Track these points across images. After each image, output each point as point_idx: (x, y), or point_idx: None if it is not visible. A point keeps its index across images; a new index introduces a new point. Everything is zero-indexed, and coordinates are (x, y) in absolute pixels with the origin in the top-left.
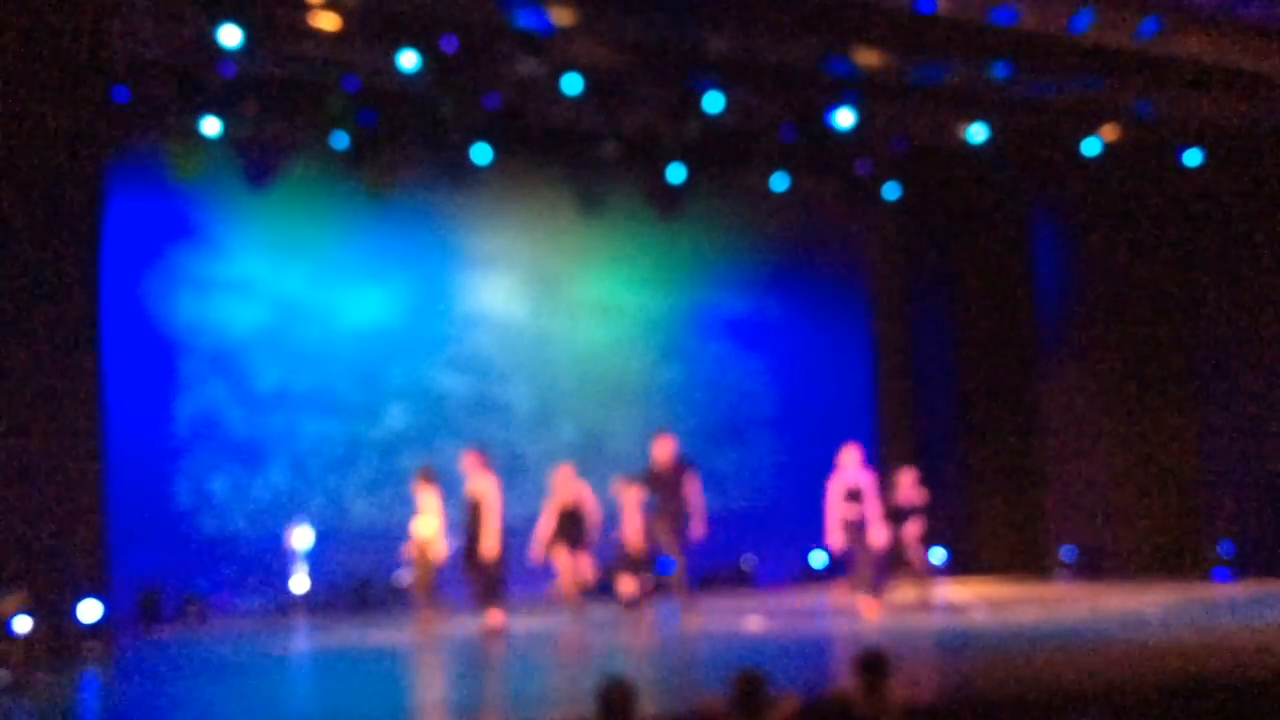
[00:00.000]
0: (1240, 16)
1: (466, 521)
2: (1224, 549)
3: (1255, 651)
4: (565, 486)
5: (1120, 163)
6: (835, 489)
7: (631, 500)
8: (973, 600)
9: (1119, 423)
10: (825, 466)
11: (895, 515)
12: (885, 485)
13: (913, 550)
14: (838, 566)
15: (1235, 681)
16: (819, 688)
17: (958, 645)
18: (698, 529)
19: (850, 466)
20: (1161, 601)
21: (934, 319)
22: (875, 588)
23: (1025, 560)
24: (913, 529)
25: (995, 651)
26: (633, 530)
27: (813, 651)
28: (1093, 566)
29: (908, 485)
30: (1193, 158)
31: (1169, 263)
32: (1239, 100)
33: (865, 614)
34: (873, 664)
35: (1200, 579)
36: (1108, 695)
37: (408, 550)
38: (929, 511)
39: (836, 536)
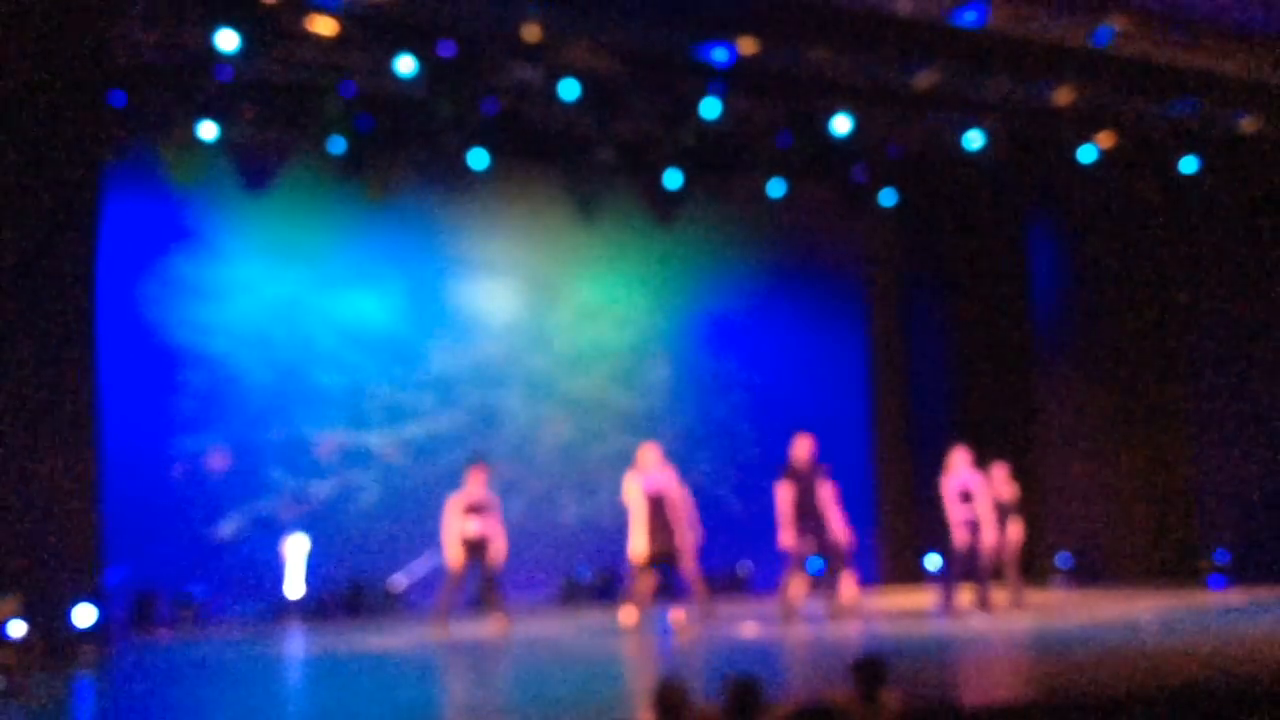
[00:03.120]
0: (1237, 22)
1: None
2: (1219, 556)
3: (1250, 659)
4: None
5: (1116, 169)
6: (949, 489)
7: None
8: (968, 607)
9: (1114, 429)
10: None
11: (1000, 512)
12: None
13: (1012, 551)
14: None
15: (1230, 689)
16: (814, 694)
17: (953, 651)
18: (839, 530)
19: (960, 466)
20: (1156, 608)
21: (930, 325)
22: (982, 586)
23: (1021, 566)
24: (1015, 529)
25: (991, 658)
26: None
27: (808, 657)
28: (1088, 573)
29: (1002, 481)
30: (1188, 165)
31: (1165, 270)
32: (1236, 106)
33: (993, 609)
34: (869, 670)
35: (1195, 586)
36: (1103, 702)
37: (457, 548)
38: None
39: (961, 534)
